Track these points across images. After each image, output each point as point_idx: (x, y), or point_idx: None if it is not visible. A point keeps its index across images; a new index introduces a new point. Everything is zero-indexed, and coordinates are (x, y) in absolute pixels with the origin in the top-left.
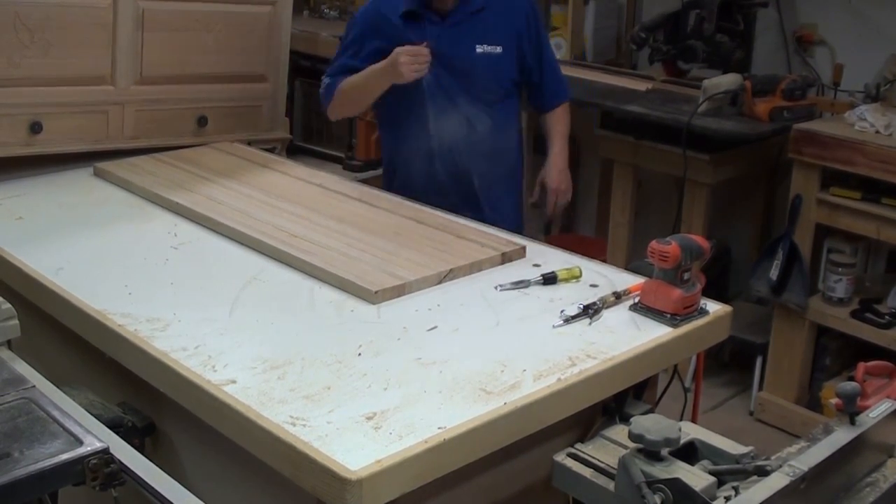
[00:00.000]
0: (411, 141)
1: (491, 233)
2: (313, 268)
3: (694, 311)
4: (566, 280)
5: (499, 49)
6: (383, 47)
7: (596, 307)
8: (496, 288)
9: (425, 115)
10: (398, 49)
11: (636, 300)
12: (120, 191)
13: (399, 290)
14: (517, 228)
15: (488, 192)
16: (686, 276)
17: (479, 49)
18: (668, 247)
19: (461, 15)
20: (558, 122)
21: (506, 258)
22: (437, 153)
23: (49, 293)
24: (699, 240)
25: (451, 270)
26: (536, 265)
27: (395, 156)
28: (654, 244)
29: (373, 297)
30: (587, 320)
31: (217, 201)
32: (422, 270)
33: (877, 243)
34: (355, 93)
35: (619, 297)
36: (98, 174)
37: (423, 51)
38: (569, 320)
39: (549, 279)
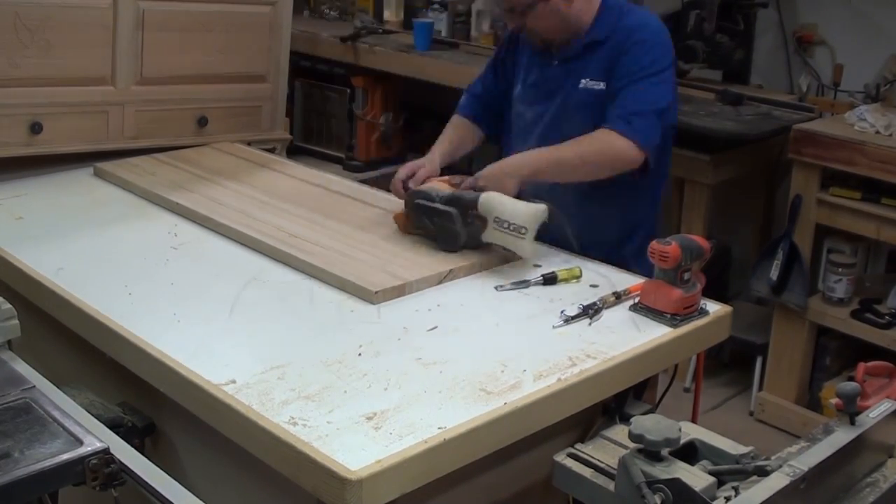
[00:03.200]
0: None
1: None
2: (313, 268)
3: (694, 312)
4: (566, 280)
5: (602, 85)
6: (511, 69)
7: (596, 307)
8: (496, 288)
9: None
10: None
11: (636, 300)
12: (120, 191)
13: (399, 290)
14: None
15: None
16: (686, 276)
17: (581, 84)
18: (668, 247)
19: (573, 50)
20: (572, 140)
21: (506, 258)
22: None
23: (49, 293)
24: (699, 240)
25: (451, 270)
26: (537, 265)
27: None
28: (654, 244)
29: (373, 297)
30: (587, 320)
31: (217, 201)
32: (422, 270)
33: (877, 243)
34: None
35: (619, 297)
36: (98, 174)
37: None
38: (569, 320)
39: (550, 279)
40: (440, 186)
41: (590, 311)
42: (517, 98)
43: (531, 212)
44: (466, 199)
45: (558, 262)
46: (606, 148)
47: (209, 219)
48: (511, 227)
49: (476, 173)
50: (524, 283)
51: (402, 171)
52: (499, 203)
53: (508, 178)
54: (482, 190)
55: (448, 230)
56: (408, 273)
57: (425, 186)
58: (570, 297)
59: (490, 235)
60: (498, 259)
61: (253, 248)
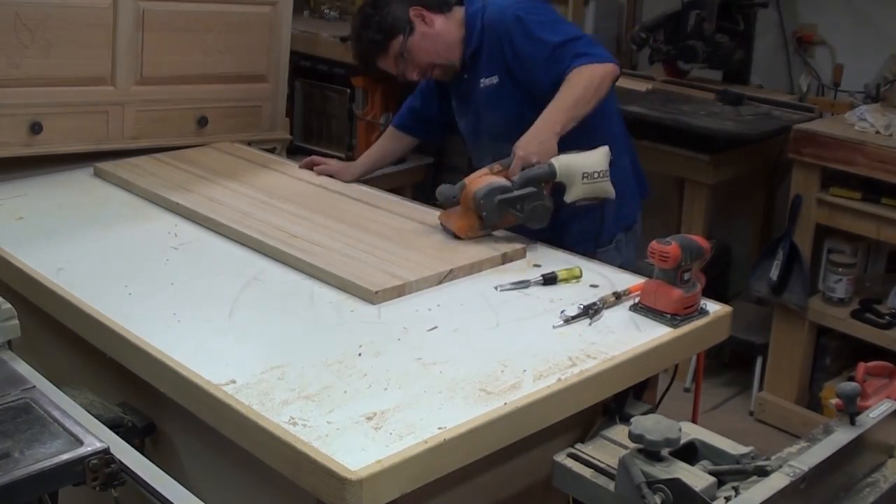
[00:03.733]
0: None
1: (491, 233)
2: (313, 268)
3: (694, 312)
4: (566, 280)
5: (495, 79)
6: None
7: (596, 307)
8: (496, 288)
9: (470, 160)
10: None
11: (636, 300)
12: (120, 191)
13: (399, 290)
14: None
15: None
16: (686, 276)
17: (482, 84)
18: (668, 247)
19: (468, 61)
20: (560, 90)
21: (506, 258)
22: None
23: (49, 293)
24: (699, 240)
25: (451, 271)
26: (537, 265)
27: None
28: (654, 244)
29: (373, 297)
30: (587, 320)
31: (217, 201)
32: (422, 270)
33: (877, 243)
34: None
35: (619, 297)
36: (98, 174)
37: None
38: (569, 320)
39: (550, 279)
40: (490, 180)
41: (590, 312)
42: (455, 112)
43: (603, 155)
44: (540, 174)
45: (558, 262)
46: (590, 76)
47: (209, 219)
48: (599, 175)
49: (516, 154)
50: (524, 283)
51: (323, 167)
52: (575, 162)
53: (549, 140)
54: (538, 164)
55: (538, 208)
56: (408, 273)
57: (486, 184)
58: (570, 296)
59: (577, 192)
60: (498, 259)
61: (253, 248)
